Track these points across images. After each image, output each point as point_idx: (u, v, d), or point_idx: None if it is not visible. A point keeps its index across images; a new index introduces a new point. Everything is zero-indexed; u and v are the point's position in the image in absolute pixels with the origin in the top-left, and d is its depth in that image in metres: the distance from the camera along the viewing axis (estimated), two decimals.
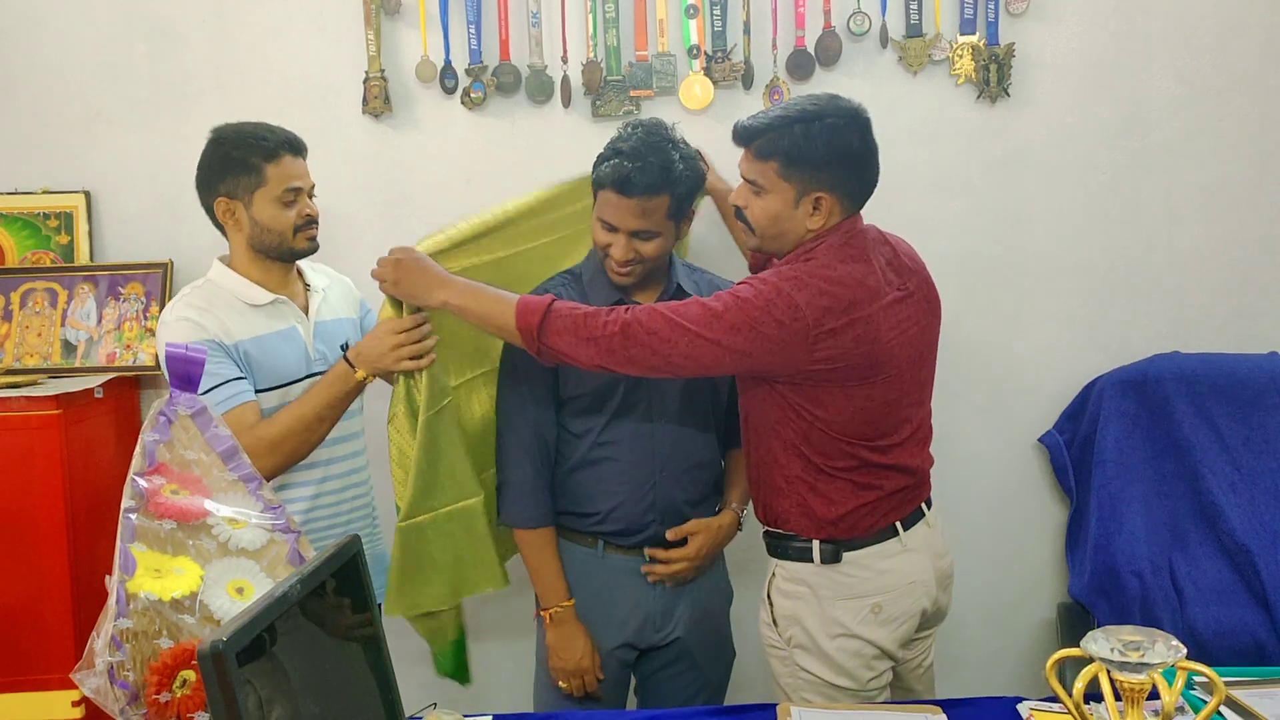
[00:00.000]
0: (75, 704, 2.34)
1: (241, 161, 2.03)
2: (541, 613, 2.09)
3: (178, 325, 1.98)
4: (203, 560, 1.50)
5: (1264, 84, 2.55)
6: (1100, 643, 0.97)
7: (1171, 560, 2.41)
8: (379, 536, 2.28)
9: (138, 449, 1.54)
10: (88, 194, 2.67)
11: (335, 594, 1.33)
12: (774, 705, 1.74)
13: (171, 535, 1.50)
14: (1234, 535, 2.38)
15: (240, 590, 1.51)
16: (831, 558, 1.88)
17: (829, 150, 1.80)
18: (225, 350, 1.98)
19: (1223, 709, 1.59)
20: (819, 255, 1.82)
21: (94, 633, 1.42)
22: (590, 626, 2.09)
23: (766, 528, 1.97)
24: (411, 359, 1.95)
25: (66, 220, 2.67)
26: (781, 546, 1.93)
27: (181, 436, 1.60)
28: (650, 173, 1.91)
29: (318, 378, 2.06)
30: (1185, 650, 0.97)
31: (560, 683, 2.08)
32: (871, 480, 1.87)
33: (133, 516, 1.47)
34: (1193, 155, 2.57)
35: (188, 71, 2.63)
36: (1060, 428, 2.60)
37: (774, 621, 1.94)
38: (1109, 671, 0.99)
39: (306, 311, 2.15)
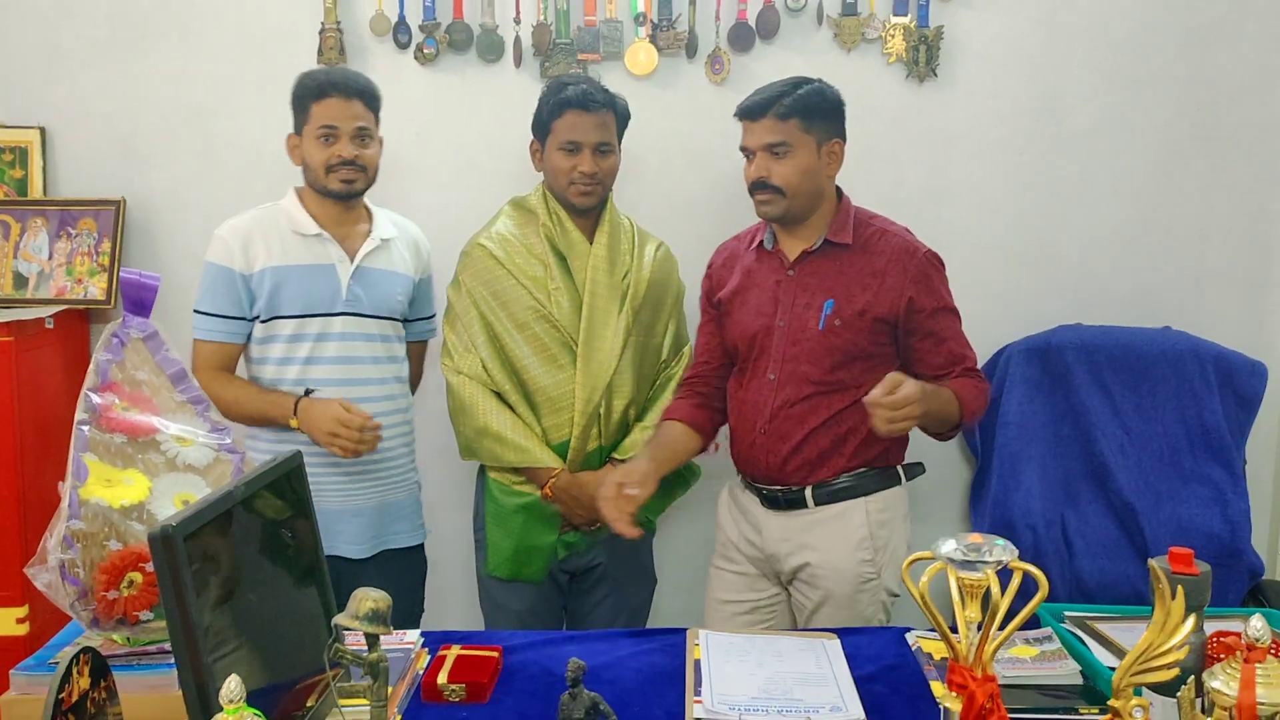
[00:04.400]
0: (20, 620, 2.43)
1: (299, 101, 2.21)
2: (543, 490, 2.26)
3: (215, 242, 2.21)
4: (151, 473, 1.61)
5: (1175, 79, 2.72)
6: (948, 544, 1.12)
7: (1064, 516, 2.59)
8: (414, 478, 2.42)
9: (91, 366, 1.63)
10: (43, 130, 2.72)
11: (277, 500, 1.45)
12: (684, 630, 1.88)
13: (122, 449, 1.60)
14: (1121, 494, 2.57)
15: (186, 503, 1.60)
16: (914, 474, 2.21)
17: (832, 101, 2.15)
18: (239, 282, 2.18)
19: (1086, 639, 1.76)
20: (870, 212, 2.21)
21: (46, 533, 1.52)
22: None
23: (856, 472, 2.14)
24: (340, 450, 2.14)
25: (21, 155, 2.72)
26: (879, 478, 2.16)
27: (133, 358, 1.70)
28: (599, 91, 2.25)
29: (349, 318, 2.23)
30: (1018, 552, 1.13)
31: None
32: None
33: (85, 429, 1.57)
34: (1105, 142, 2.74)
35: (146, 13, 2.69)
36: None
37: (874, 554, 2.14)
38: (956, 571, 1.14)
39: (354, 255, 2.25)
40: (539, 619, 2.34)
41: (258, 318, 2.21)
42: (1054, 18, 2.70)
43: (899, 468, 2.19)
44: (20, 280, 2.69)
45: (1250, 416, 2.64)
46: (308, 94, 2.19)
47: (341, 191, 2.21)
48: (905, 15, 2.67)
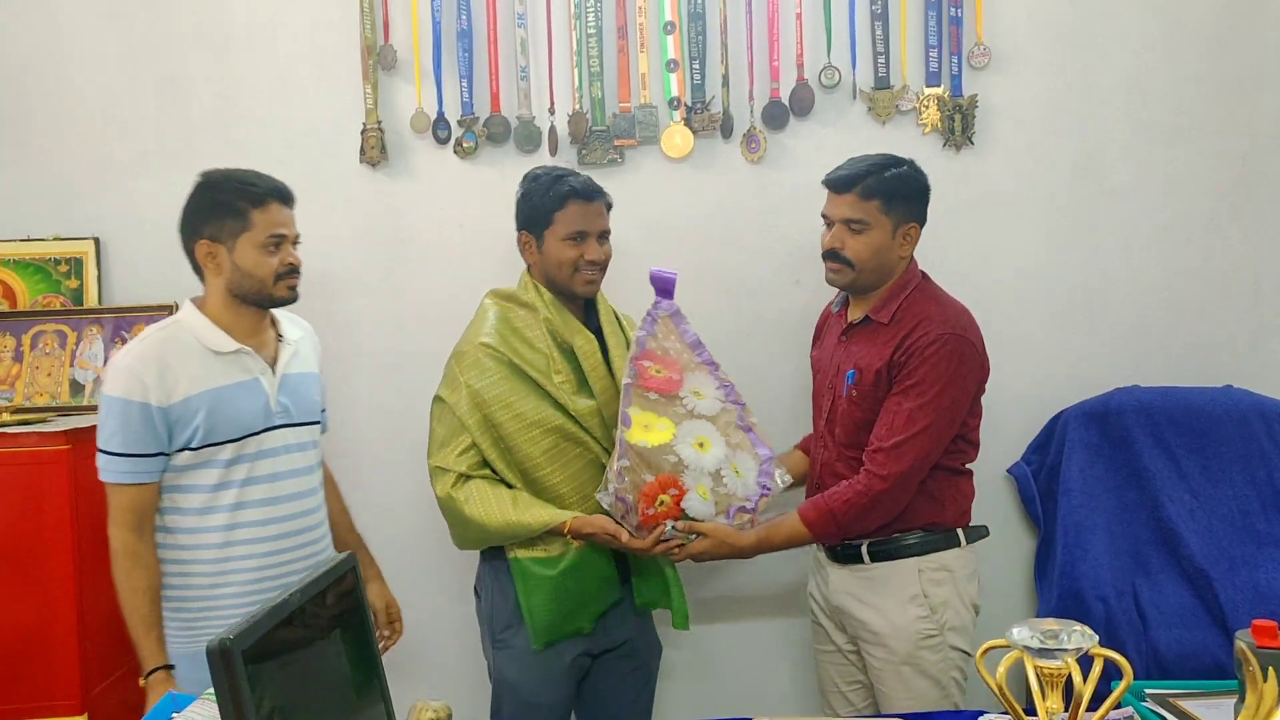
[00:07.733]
0: None
1: (229, 205, 2.08)
2: (565, 534, 2.19)
3: (119, 376, 2.03)
4: (676, 420, 2.17)
5: (1213, 129, 2.69)
6: (1023, 632, 1.08)
7: (1135, 585, 2.50)
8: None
9: (634, 340, 2.22)
10: (97, 240, 2.79)
11: (333, 606, 1.43)
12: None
13: (656, 402, 2.17)
14: (1193, 560, 2.48)
15: (700, 444, 2.17)
16: (975, 537, 2.23)
17: (916, 187, 2.20)
18: (155, 416, 2.02)
19: (1170, 718, 1.68)
20: (933, 293, 2.21)
21: (608, 466, 2.14)
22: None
23: (905, 533, 2.17)
24: None
25: (76, 265, 2.79)
26: (931, 541, 2.18)
27: (661, 331, 2.24)
28: (592, 181, 2.28)
29: (280, 431, 2.13)
30: (1098, 638, 1.08)
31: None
32: (971, 471, 2.25)
33: (630, 388, 2.16)
34: (1148, 197, 2.71)
35: (194, 122, 2.77)
36: (1027, 459, 2.71)
37: (931, 612, 2.15)
38: (1033, 660, 1.10)
39: (274, 364, 2.17)
40: (553, 711, 2.26)
41: (183, 449, 2.06)
42: (1087, 77, 2.69)
43: (959, 530, 2.21)
44: (76, 388, 2.74)
45: None
46: (243, 200, 2.08)
47: (288, 299, 2.15)
48: (938, 86, 2.67)
